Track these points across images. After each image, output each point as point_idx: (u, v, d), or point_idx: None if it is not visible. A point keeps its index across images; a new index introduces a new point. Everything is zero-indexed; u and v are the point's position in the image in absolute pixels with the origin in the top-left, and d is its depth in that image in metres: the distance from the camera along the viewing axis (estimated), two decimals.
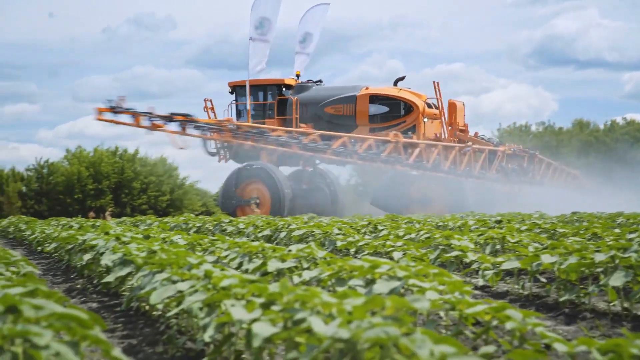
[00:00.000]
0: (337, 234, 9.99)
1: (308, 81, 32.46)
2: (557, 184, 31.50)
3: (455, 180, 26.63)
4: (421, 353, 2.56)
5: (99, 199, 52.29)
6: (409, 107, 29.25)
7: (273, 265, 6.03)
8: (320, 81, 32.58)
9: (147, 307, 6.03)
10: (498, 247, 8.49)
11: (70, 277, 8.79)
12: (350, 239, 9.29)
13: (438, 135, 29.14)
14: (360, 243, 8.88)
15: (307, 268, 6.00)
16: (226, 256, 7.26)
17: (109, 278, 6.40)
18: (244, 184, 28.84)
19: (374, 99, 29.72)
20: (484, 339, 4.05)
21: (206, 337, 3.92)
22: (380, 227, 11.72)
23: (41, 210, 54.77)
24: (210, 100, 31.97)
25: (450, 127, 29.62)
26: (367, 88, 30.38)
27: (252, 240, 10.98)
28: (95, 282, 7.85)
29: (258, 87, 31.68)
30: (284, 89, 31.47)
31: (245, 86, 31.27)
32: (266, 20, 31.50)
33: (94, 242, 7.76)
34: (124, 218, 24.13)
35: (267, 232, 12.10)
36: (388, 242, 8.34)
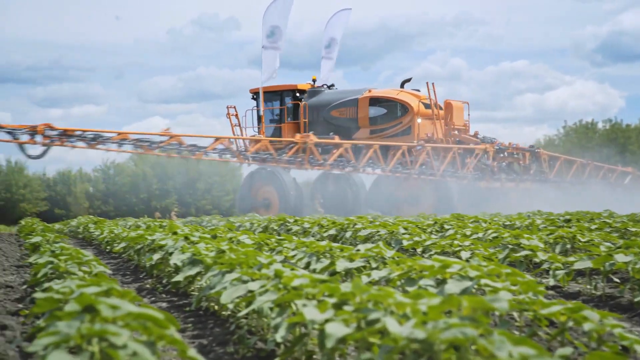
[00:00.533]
0: (404, 234, 9.93)
1: (322, 85, 33.14)
2: (574, 181, 31.58)
3: (422, 179, 27.40)
4: (500, 354, 2.52)
5: (164, 199, 52.96)
6: (405, 108, 29.60)
7: (341, 265, 6.01)
8: (332, 85, 33.26)
9: (216, 307, 6.06)
10: (568, 246, 8.35)
11: (140, 276, 8.89)
12: (417, 238, 9.23)
13: (430, 135, 29.26)
14: (427, 242, 8.81)
15: (376, 268, 5.97)
16: (293, 256, 7.26)
17: (179, 278, 6.44)
18: (256, 187, 29.86)
19: (374, 101, 30.26)
20: (559, 341, 3.97)
21: (278, 337, 3.92)
22: (446, 227, 11.62)
23: (107, 211, 55.66)
24: (234, 107, 32.74)
25: (446, 127, 29.78)
26: (369, 91, 30.91)
27: (318, 240, 10.98)
28: (164, 281, 7.92)
29: (274, 93, 32.54)
30: (297, 94, 32.16)
31: (270, 92, 32.38)
32: (277, 28, 32.14)
33: (162, 242, 7.83)
34: (189, 218, 24.36)
35: (332, 231, 12.09)
36: (455, 242, 8.27)
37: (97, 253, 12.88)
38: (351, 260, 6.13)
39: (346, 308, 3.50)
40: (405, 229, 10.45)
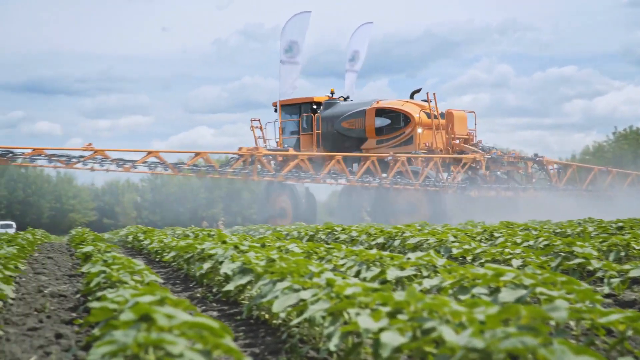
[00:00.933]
0: (453, 242, 9.86)
1: (340, 98, 33.99)
2: (593, 189, 32.25)
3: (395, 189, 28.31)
4: None
5: (210, 209, 53.28)
6: (407, 119, 30.45)
7: (392, 274, 5.97)
8: (348, 97, 34.43)
9: (266, 316, 6.06)
10: (622, 254, 8.23)
11: (189, 285, 8.93)
12: (467, 246, 9.16)
13: (428, 144, 30.09)
14: (477, 250, 8.74)
15: (427, 276, 5.93)
16: (343, 264, 7.24)
17: (229, 287, 6.46)
18: (273, 197, 31.44)
19: (380, 112, 31.16)
20: (618, 350, 3.90)
21: (331, 346, 3.90)
22: (496, 235, 11.52)
23: (155, 220, 56.12)
24: (258, 120, 34.15)
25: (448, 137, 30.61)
26: (377, 102, 31.77)
27: (366, 249, 10.95)
28: (214, 290, 7.95)
29: (293, 106, 33.75)
30: (314, 106, 33.14)
31: (290, 105, 33.79)
32: (295, 44, 33.62)
33: (212, 251, 7.85)
34: (236, 227, 24.44)
35: (380, 239, 12.05)
36: (506, 250, 8.18)
37: (147, 262, 12.98)
38: (402, 268, 6.09)
39: (400, 317, 3.47)
40: (455, 236, 10.38)
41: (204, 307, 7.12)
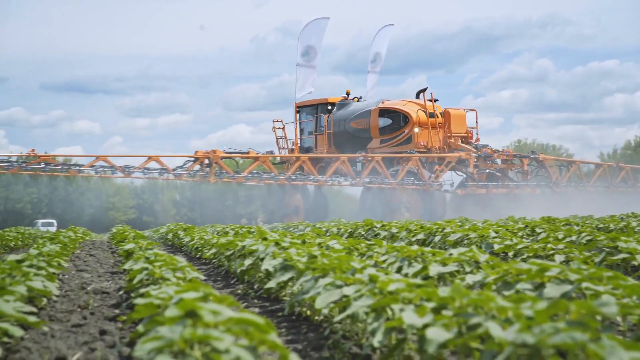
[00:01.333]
0: (494, 237, 9.78)
1: (354, 98, 34.79)
2: (598, 185, 33.16)
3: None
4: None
5: (249, 206, 53.48)
6: (406, 118, 31.33)
7: (434, 270, 5.93)
8: (361, 98, 35.09)
9: (308, 312, 6.06)
10: None
11: (230, 282, 8.96)
12: (508, 242, 9.08)
13: (423, 144, 30.79)
14: (519, 246, 8.65)
15: (470, 272, 5.88)
16: (384, 261, 7.21)
17: (271, 283, 6.46)
18: (288, 196, 32.58)
19: (383, 112, 31.99)
20: None
21: (375, 342, 3.88)
22: (538, 230, 11.42)
23: (194, 218, 56.43)
24: (281, 121, 35.29)
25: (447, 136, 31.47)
26: (383, 102, 32.68)
27: (406, 245, 10.90)
28: (255, 287, 7.97)
29: (310, 107, 34.89)
30: (329, 107, 34.14)
31: (308, 106, 35.04)
32: (311, 48, 34.97)
33: (253, 248, 7.87)
34: (275, 224, 24.50)
35: (420, 236, 11.99)
36: (549, 245, 8.10)
37: (187, 259, 13.03)
38: (444, 264, 6.05)
39: (445, 312, 3.44)
40: (496, 232, 10.29)
41: (245, 304, 7.13)
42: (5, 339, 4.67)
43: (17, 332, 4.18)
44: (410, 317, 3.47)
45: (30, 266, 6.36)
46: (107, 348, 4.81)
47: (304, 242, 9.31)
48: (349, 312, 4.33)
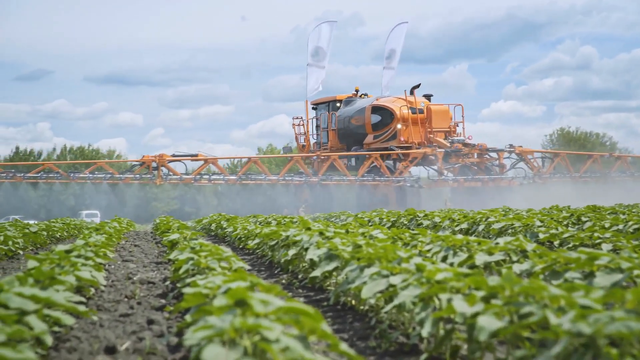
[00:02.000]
0: (539, 226, 9.69)
1: (361, 95, 36.42)
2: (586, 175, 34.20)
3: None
4: None
5: (291, 196, 53.60)
6: (392, 115, 32.93)
7: (480, 259, 5.89)
8: (365, 94, 36.45)
9: (353, 302, 6.05)
10: None
11: (274, 272, 8.98)
12: (553, 230, 8.98)
13: (403, 140, 32.64)
14: (565, 235, 8.55)
15: (517, 261, 5.82)
16: (429, 250, 7.16)
17: (316, 273, 6.45)
18: (299, 192, 33.77)
19: (375, 109, 33.66)
20: None
21: (424, 332, 3.86)
22: (583, 219, 11.29)
23: (236, 208, 56.57)
24: (300, 118, 37.32)
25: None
26: (377, 99, 34.57)
27: (450, 234, 10.84)
28: (299, 277, 7.97)
29: (323, 104, 36.71)
30: (337, 105, 36.07)
31: (321, 103, 36.89)
32: (320, 49, 36.73)
33: (297, 238, 7.86)
34: (317, 213, 24.51)
35: (464, 225, 11.93)
36: (595, 234, 7.99)
37: (231, 249, 13.07)
38: (490, 253, 6.00)
39: (494, 301, 3.41)
40: (541, 221, 10.20)
41: (290, 294, 7.14)
42: (56, 329, 4.72)
43: (69, 320, 4.22)
44: (460, 306, 3.44)
45: (78, 256, 6.42)
46: (155, 337, 4.84)
47: (347, 232, 9.29)
48: (396, 302, 4.30)
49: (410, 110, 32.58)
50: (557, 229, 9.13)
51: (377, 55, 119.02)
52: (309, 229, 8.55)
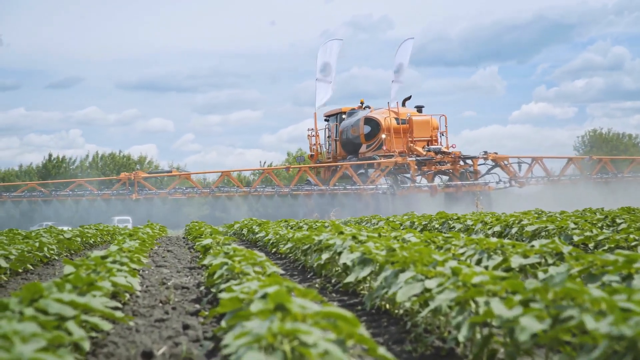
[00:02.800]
0: (573, 229, 9.61)
1: (364, 107, 37.98)
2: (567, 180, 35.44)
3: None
4: None
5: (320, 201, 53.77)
6: (378, 125, 35.07)
7: (516, 262, 5.85)
8: (368, 107, 37.98)
9: (387, 306, 6.03)
10: None
11: (307, 276, 8.97)
12: (588, 233, 8.91)
13: (387, 149, 34.66)
14: (600, 237, 8.48)
15: (552, 264, 5.78)
16: (462, 253, 7.14)
17: (350, 278, 6.44)
18: (302, 201, 35.12)
19: (366, 120, 35.70)
20: None
21: (460, 337, 3.84)
22: (618, 221, 11.19)
23: (267, 213, 56.71)
24: (313, 129, 39.07)
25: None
26: (371, 111, 36.55)
27: (483, 237, 10.78)
28: (333, 281, 7.97)
29: (332, 116, 38.83)
30: (343, 116, 38.05)
31: (330, 115, 38.90)
32: (328, 65, 38.70)
33: (330, 242, 7.86)
34: (348, 217, 24.49)
35: (497, 228, 11.86)
36: (631, 236, 7.92)
37: (264, 254, 13.07)
38: (525, 256, 5.96)
39: (533, 305, 3.38)
40: (575, 223, 10.12)
41: (324, 298, 7.13)
42: (93, 334, 4.76)
43: (106, 326, 4.25)
44: (499, 309, 3.42)
45: (114, 262, 6.46)
46: (191, 342, 4.86)
47: (379, 236, 9.27)
48: (432, 306, 4.28)
49: (395, 121, 34.85)
50: (591, 231, 9.05)
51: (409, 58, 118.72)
52: (341, 233, 8.55)
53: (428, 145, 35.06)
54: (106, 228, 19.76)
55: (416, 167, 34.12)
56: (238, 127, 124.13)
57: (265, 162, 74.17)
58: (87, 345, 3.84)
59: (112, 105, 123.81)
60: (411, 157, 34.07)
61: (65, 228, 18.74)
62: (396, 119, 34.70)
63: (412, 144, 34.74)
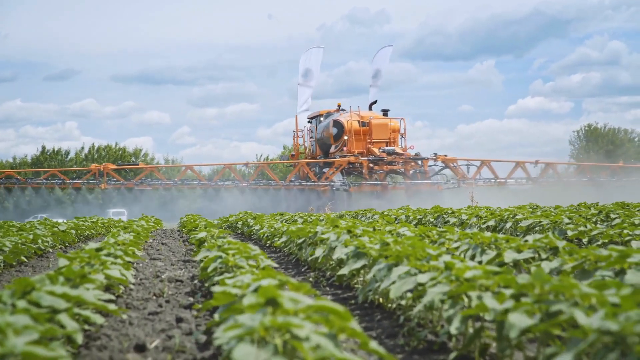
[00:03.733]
0: (568, 224, 9.63)
1: (341, 111, 40.45)
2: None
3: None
4: None
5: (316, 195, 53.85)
6: (343, 127, 38.05)
7: (509, 256, 5.86)
8: (344, 110, 40.59)
9: (380, 300, 6.04)
10: None
11: (301, 270, 8.98)
12: (582, 228, 8.93)
13: (347, 149, 37.78)
14: (594, 232, 8.49)
15: (546, 259, 5.78)
16: (456, 248, 7.14)
17: (344, 271, 6.45)
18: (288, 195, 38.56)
19: (334, 123, 38.56)
20: None
21: (453, 329, 3.85)
22: (612, 216, 11.20)
23: (262, 206, 56.78)
24: (299, 131, 41.92)
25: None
26: (341, 114, 39.53)
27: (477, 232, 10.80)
28: (327, 275, 7.97)
29: (313, 118, 41.75)
30: (321, 119, 40.82)
31: (312, 117, 41.56)
32: (309, 71, 41.72)
33: (325, 236, 7.86)
34: (343, 211, 24.49)
35: (491, 222, 11.88)
36: (625, 231, 7.93)
37: (258, 248, 13.06)
38: (519, 251, 5.97)
39: (524, 299, 3.39)
40: (569, 218, 10.14)
41: (318, 292, 7.14)
42: (86, 327, 4.76)
43: (99, 319, 4.25)
44: (491, 303, 3.43)
45: (108, 255, 6.46)
46: (184, 335, 4.86)
47: (374, 230, 9.28)
48: (425, 301, 4.29)
49: (358, 124, 38.01)
50: (585, 226, 9.07)
51: (404, 52, 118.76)
52: (336, 226, 8.55)
53: (386, 146, 38.13)
54: (101, 220, 19.75)
55: (372, 165, 37.27)
56: (234, 120, 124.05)
57: (261, 156, 74.18)
58: (79, 338, 3.84)
59: (108, 97, 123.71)
60: (364, 157, 37.34)
61: (60, 220, 18.73)
62: (359, 122, 38.00)
63: (370, 145, 37.86)
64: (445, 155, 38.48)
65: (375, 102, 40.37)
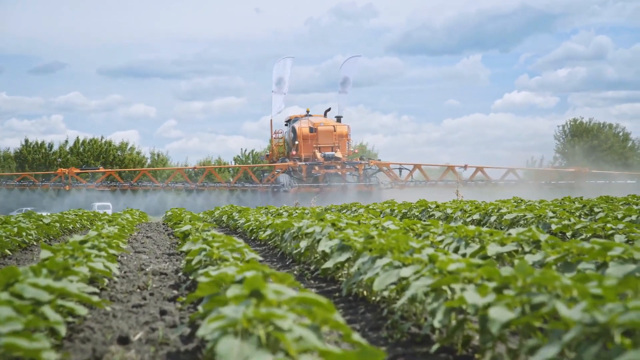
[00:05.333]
0: (552, 217, 9.67)
1: (308, 116, 43.53)
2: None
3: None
4: None
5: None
6: (296, 133, 41.48)
7: (493, 249, 5.88)
8: (311, 115, 43.98)
9: (365, 293, 6.05)
10: None
11: (286, 263, 8.99)
12: (566, 221, 8.97)
13: (295, 153, 41.36)
14: (578, 226, 8.54)
15: (529, 252, 5.81)
16: (441, 241, 7.15)
17: (328, 264, 6.46)
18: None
19: (292, 128, 42.21)
20: None
21: (436, 322, 3.87)
22: (596, 210, 11.26)
23: (246, 200, 56.81)
24: (281, 131, 45.68)
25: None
26: (308, 119, 42.70)
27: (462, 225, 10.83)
28: (312, 268, 7.98)
29: (287, 122, 44.98)
30: (293, 123, 43.56)
31: (287, 121, 44.82)
32: (282, 79, 45.42)
33: (309, 230, 7.87)
34: (329, 205, 24.50)
35: (476, 216, 11.91)
36: (608, 225, 7.97)
37: (243, 241, 13.05)
38: (502, 244, 5.99)
39: (507, 292, 3.41)
40: (554, 212, 10.18)
41: (302, 285, 7.15)
42: (69, 319, 4.75)
43: (82, 311, 4.24)
44: (472, 297, 3.44)
45: (92, 247, 6.44)
46: (168, 328, 4.86)
47: (359, 223, 9.29)
48: (409, 294, 4.30)
49: (309, 130, 41.34)
50: (569, 220, 9.12)
51: (392, 46, 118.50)
52: (321, 220, 8.56)
53: (331, 150, 41.46)
54: (86, 214, 19.68)
55: (317, 168, 40.49)
56: (221, 114, 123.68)
57: (246, 150, 74.07)
58: (63, 330, 3.83)
59: (94, 91, 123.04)
60: (307, 162, 40.77)
61: (44, 214, 18.65)
62: (310, 127, 41.51)
63: (316, 150, 41.24)
64: (379, 160, 43.41)
65: (329, 109, 44.41)
